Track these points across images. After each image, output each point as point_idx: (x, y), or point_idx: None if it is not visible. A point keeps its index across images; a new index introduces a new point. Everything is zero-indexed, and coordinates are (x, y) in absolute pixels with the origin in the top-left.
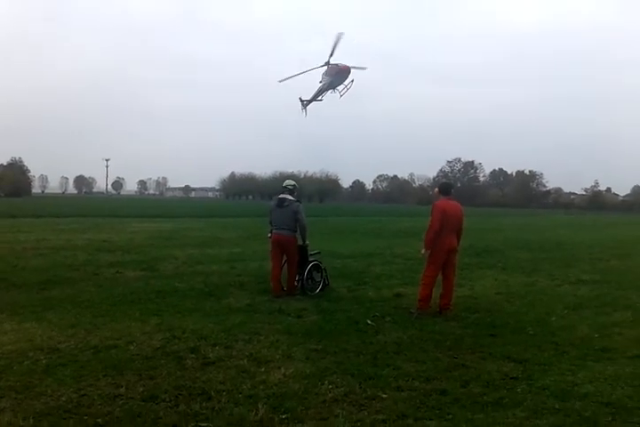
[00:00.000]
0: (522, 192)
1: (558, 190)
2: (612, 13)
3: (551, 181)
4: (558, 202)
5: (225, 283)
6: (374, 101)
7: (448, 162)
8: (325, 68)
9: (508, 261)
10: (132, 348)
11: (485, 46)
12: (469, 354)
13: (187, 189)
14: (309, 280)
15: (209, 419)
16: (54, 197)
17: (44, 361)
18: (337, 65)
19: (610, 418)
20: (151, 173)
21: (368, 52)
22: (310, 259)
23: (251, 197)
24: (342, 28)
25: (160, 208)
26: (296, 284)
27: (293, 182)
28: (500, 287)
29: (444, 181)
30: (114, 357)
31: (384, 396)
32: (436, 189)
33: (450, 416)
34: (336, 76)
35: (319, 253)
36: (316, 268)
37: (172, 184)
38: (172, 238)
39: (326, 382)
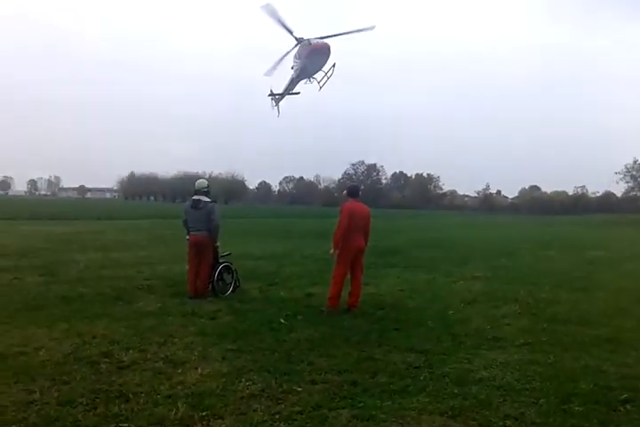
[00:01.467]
0: (420, 194)
1: (453, 193)
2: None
3: (447, 183)
4: (453, 204)
5: (133, 287)
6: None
7: (352, 164)
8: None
9: (410, 260)
10: (41, 354)
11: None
12: (377, 347)
13: (82, 189)
14: (220, 282)
15: (129, 419)
16: None
17: None
18: (309, 42)
19: (502, 399)
20: (42, 172)
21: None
22: (221, 260)
23: (152, 198)
24: None
25: (54, 209)
26: (208, 286)
27: (207, 183)
28: (402, 285)
29: (352, 183)
30: (23, 363)
31: (299, 389)
32: (345, 192)
33: (361, 405)
34: (309, 57)
35: (230, 254)
36: (227, 269)
37: (65, 184)
38: (70, 242)
39: (243, 379)
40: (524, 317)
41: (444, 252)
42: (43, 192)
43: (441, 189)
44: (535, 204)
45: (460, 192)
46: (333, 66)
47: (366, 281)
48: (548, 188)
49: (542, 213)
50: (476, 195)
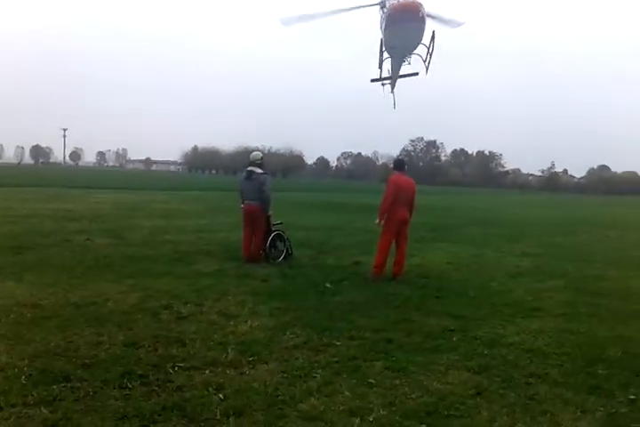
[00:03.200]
0: (481, 172)
1: (516, 171)
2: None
3: (510, 162)
4: (516, 182)
5: (193, 251)
6: (336, 79)
7: (411, 141)
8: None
9: (461, 236)
10: (109, 304)
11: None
12: (415, 311)
13: (148, 161)
14: (272, 249)
15: (185, 360)
16: (10, 167)
17: (28, 315)
18: (385, 3)
19: (528, 361)
20: (111, 145)
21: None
22: (273, 229)
23: (214, 171)
24: None
25: (121, 180)
26: (261, 253)
27: (261, 155)
28: (449, 258)
29: (398, 157)
30: (94, 311)
31: (338, 343)
32: (391, 165)
33: (394, 358)
34: (389, 27)
35: (281, 223)
36: (279, 237)
37: (132, 156)
38: (136, 209)
39: (288, 332)
40: (567, 290)
41: (497, 229)
42: (111, 164)
43: (503, 167)
44: (603, 184)
45: (524, 171)
46: (432, 38)
47: (413, 253)
48: (618, 168)
49: (609, 193)
50: (541, 174)
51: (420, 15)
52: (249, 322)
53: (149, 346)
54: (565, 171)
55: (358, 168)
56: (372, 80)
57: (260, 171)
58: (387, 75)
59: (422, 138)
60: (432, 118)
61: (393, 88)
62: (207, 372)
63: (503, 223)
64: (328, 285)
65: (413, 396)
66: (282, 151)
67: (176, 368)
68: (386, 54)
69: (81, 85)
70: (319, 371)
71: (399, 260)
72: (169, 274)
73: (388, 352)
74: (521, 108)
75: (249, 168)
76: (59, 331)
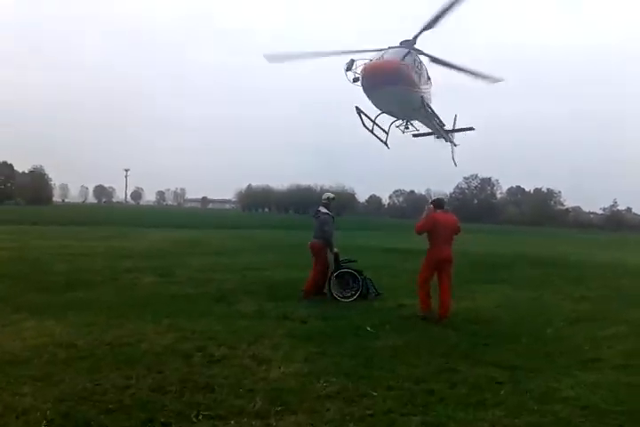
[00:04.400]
0: (539, 210)
1: (576, 209)
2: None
3: (570, 199)
4: (577, 221)
5: (236, 290)
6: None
7: (465, 178)
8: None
9: (517, 277)
10: (143, 345)
11: (496, 62)
12: (461, 360)
13: (204, 200)
14: (339, 287)
15: (211, 408)
16: (74, 206)
17: (62, 355)
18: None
19: (583, 419)
20: (169, 184)
21: None
22: (343, 266)
23: (267, 209)
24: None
25: (178, 219)
26: (324, 291)
27: (328, 196)
28: (502, 301)
29: (436, 197)
30: (126, 352)
31: (374, 394)
32: (431, 205)
33: (434, 413)
34: (371, 91)
35: (354, 261)
36: (350, 275)
37: (189, 195)
38: (188, 247)
39: (322, 380)
40: (629, 339)
41: (557, 270)
42: (169, 202)
43: (562, 204)
44: None
45: (585, 209)
46: (455, 120)
47: (464, 295)
48: None
49: None
50: (602, 212)
51: (400, 77)
52: (282, 368)
53: (176, 391)
54: (629, 209)
55: (411, 206)
56: (414, 135)
57: (324, 211)
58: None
59: (477, 175)
60: (486, 156)
61: (449, 141)
62: (232, 422)
63: (563, 264)
64: (369, 328)
65: None
66: (334, 189)
67: (200, 417)
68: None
69: (142, 125)
70: (351, 425)
71: (444, 301)
72: (208, 314)
73: (427, 406)
74: (580, 145)
75: (318, 208)
76: (89, 373)
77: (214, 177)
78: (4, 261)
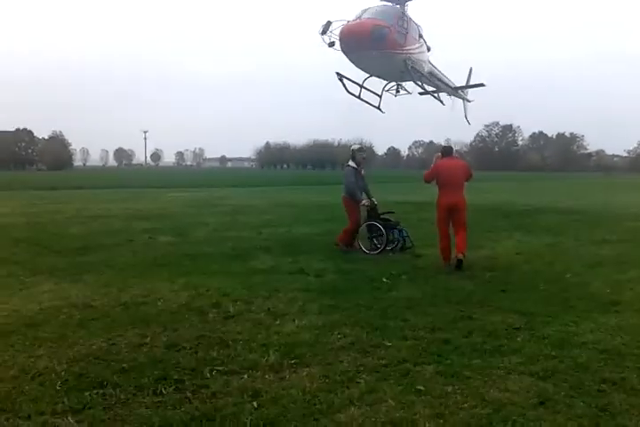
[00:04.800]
0: (563, 155)
1: (600, 153)
2: None
3: (593, 143)
4: (600, 165)
5: (252, 247)
6: None
7: (485, 126)
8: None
9: (536, 223)
10: (159, 304)
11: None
12: (477, 308)
13: (223, 159)
14: (372, 239)
15: (224, 363)
16: (94, 170)
17: (77, 316)
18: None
19: (603, 363)
20: (188, 145)
21: None
22: (373, 218)
23: (286, 166)
24: None
25: (196, 178)
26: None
27: (355, 147)
28: (521, 248)
29: (444, 145)
30: (142, 311)
31: (388, 344)
32: (439, 154)
33: (448, 362)
34: (347, 53)
35: (390, 212)
36: (376, 227)
37: (208, 155)
38: (205, 206)
39: (335, 332)
40: None
41: (577, 215)
42: (189, 163)
43: (585, 149)
44: None
45: (609, 152)
46: (470, 73)
47: (482, 244)
48: None
49: None
50: (627, 155)
51: (377, 39)
52: (296, 321)
53: (191, 348)
54: None
55: (431, 157)
56: (421, 93)
57: (349, 163)
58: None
59: (498, 122)
60: (507, 102)
61: (462, 98)
62: (245, 377)
63: (583, 208)
64: (384, 279)
65: (466, 406)
66: (351, 143)
67: (214, 372)
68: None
69: (159, 87)
70: (364, 376)
71: (458, 242)
72: (223, 272)
73: (442, 355)
74: (602, 85)
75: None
76: (104, 332)
77: (232, 136)
78: (19, 226)
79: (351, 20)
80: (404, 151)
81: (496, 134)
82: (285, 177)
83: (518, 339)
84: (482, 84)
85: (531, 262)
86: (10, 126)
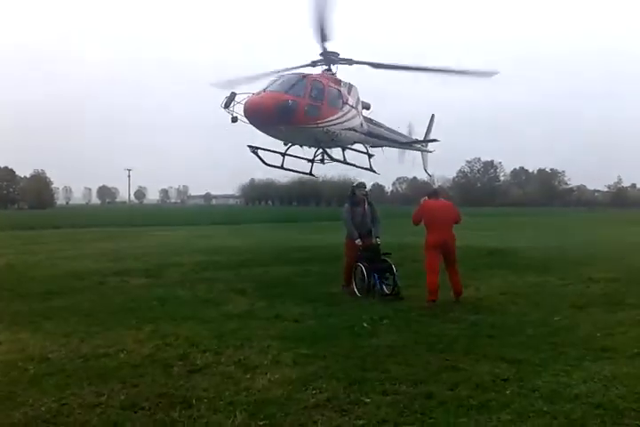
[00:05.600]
0: (544, 191)
1: (581, 188)
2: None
3: (573, 178)
4: (581, 199)
5: (227, 289)
6: (381, 102)
7: (467, 162)
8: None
9: (520, 261)
10: (121, 356)
11: (497, 46)
12: (462, 356)
13: (207, 196)
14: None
15: (185, 426)
16: (77, 208)
17: (31, 371)
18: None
19: (599, 420)
20: (172, 182)
21: (376, 53)
22: (361, 259)
23: (270, 202)
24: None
25: (179, 216)
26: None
27: (354, 183)
28: (506, 288)
29: (431, 188)
30: (102, 365)
31: (367, 400)
32: (425, 197)
33: (432, 421)
34: (257, 127)
35: (386, 254)
36: (361, 269)
37: (193, 192)
38: (183, 246)
39: (310, 387)
40: None
41: (562, 252)
42: (173, 200)
43: (567, 184)
44: None
45: (590, 187)
46: (431, 120)
47: (466, 283)
48: None
49: None
50: (608, 189)
51: (283, 115)
52: (268, 374)
53: (150, 408)
54: (634, 185)
55: (414, 192)
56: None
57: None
58: None
59: (479, 158)
60: (488, 139)
61: (420, 150)
62: None
63: (568, 245)
64: (365, 325)
65: None
66: (336, 179)
67: None
68: None
69: (142, 127)
70: None
71: (454, 283)
72: (194, 317)
73: (425, 412)
74: (581, 122)
75: None
76: (57, 390)
77: (217, 172)
78: None
79: (256, 92)
80: (388, 187)
81: (478, 170)
82: (269, 214)
83: (507, 392)
84: (435, 140)
85: (517, 303)
86: None
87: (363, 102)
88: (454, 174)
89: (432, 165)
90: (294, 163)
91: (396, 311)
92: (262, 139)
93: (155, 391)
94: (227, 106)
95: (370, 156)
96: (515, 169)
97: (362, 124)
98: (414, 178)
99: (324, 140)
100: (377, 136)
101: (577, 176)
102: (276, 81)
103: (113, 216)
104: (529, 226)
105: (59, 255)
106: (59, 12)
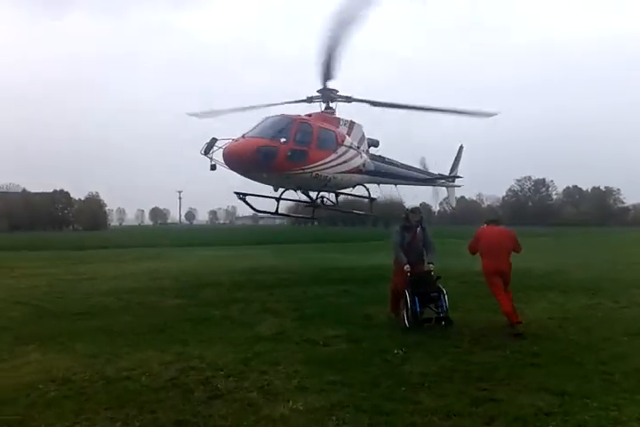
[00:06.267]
0: (599, 209)
1: (638, 206)
2: None
3: (630, 196)
4: (638, 219)
5: (262, 310)
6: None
7: (517, 180)
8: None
9: (571, 282)
10: (143, 379)
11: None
12: (502, 386)
13: (255, 217)
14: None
15: None
16: (129, 229)
17: (52, 393)
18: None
19: None
20: (221, 204)
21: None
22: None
23: (316, 222)
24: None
25: (225, 237)
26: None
27: (408, 208)
28: (555, 311)
29: (488, 217)
30: (122, 388)
31: None
32: (484, 225)
33: None
34: (234, 170)
35: (435, 278)
36: (405, 295)
37: (240, 213)
38: (223, 265)
39: (334, 417)
40: None
41: (616, 273)
42: (221, 221)
43: (622, 202)
44: None
45: None
46: (461, 151)
47: None
48: None
49: None
50: None
51: (264, 161)
52: (290, 402)
53: None
54: None
55: (462, 212)
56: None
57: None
58: None
59: (530, 177)
60: (539, 156)
61: (444, 186)
62: None
63: (622, 265)
64: (397, 351)
65: None
66: (382, 200)
67: None
68: None
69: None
70: None
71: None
72: (224, 339)
73: None
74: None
75: None
76: (72, 415)
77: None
78: (29, 289)
79: (236, 137)
80: (435, 207)
81: (529, 189)
82: (313, 234)
83: None
84: (457, 176)
85: (565, 328)
86: (48, 188)
87: (370, 139)
88: (504, 193)
89: (480, 185)
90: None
91: (433, 337)
92: None
93: (171, 418)
94: (206, 152)
95: (372, 200)
96: (567, 187)
97: (365, 164)
98: (462, 197)
99: (316, 185)
100: (387, 175)
101: (634, 194)
102: (259, 124)
103: (161, 236)
104: (582, 246)
105: (100, 275)
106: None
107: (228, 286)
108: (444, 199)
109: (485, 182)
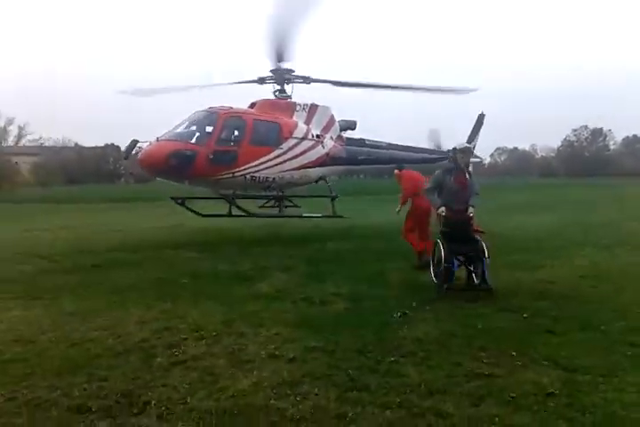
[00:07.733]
0: None
1: None
2: None
3: None
4: None
5: (273, 265)
6: (492, 73)
7: (573, 130)
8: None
9: (617, 236)
10: (110, 341)
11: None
12: (505, 357)
13: None
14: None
15: None
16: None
17: (7, 355)
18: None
19: None
20: None
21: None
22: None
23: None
24: None
25: None
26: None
27: (455, 147)
28: (589, 269)
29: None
30: (82, 352)
31: (361, 415)
32: None
33: None
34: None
35: (478, 231)
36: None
37: None
38: (249, 220)
39: (297, 392)
40: None
41: None
42: None
43: None
44: None
45: None
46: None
47: (542, 263)
48: None
49: None
50: None
51: (175, 167)
52: (255, 372)
53: (96, 411)
54: None
55: (515, 163)
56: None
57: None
58: None
59: (586, 126)
60: (596, 106)
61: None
62: None
63: None
64: (394, 315)
65: None
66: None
67: None
68: None
69: None
70: None
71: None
72: (218, 297)
73: None
74: None
75: None
76: (15, 382)
77: None
78: (53, 241)
79: (154, 140)
80: (486, 158)
81: (585, 138)
82: (352, 187)
83: (544, 411)
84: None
85: (597, 289)
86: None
87: (344, 122)
88: (559, 143)
89: (534, 135)
90: None
91: (444, 297)
92: None
93: (119, 388)
94: (127, 156)
95: (333, 198)
96: (627, 137)
97: (331, 154)
98: (515, 148)
99: (256, 189)
100: (367, 161)
101: None
102: (182, 122)
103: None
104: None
105: (131, 227)
106: None
107: (250, 240)
108: None
109: (538, 132)
